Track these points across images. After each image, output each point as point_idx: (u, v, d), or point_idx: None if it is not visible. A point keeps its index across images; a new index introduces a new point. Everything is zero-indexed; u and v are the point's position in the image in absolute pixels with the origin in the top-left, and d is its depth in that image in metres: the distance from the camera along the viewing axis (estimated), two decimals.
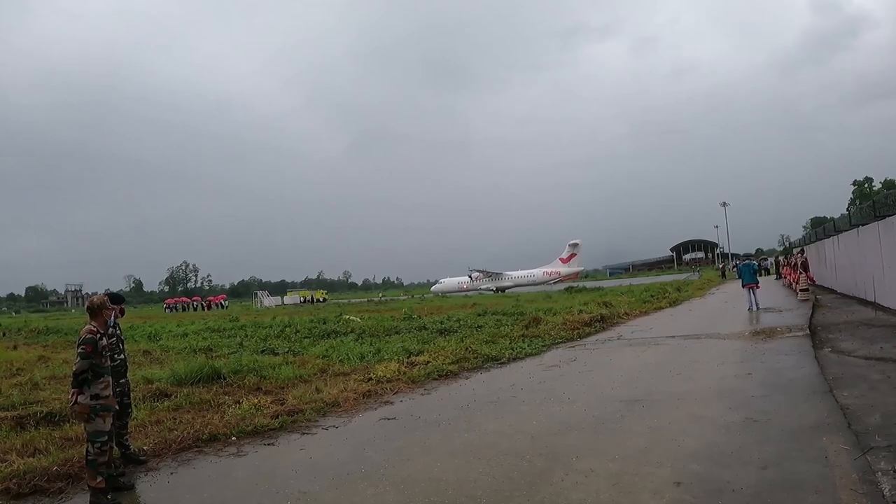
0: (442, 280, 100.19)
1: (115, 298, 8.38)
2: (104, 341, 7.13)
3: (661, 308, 31.29)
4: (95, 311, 7.32)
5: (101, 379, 7.01)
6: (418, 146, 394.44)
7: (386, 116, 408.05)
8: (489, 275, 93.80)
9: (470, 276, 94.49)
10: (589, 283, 78.24)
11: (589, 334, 21.02)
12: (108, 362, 7.26)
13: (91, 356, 6.88)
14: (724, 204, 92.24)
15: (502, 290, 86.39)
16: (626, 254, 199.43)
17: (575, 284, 72.12)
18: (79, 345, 6.97)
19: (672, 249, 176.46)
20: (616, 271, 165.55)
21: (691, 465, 6.75)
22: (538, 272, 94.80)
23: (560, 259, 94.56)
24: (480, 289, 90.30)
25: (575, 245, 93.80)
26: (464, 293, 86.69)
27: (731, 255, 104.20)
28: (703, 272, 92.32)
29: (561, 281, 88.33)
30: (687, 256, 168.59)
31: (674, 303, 34.24)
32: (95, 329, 7.09)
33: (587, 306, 29.38)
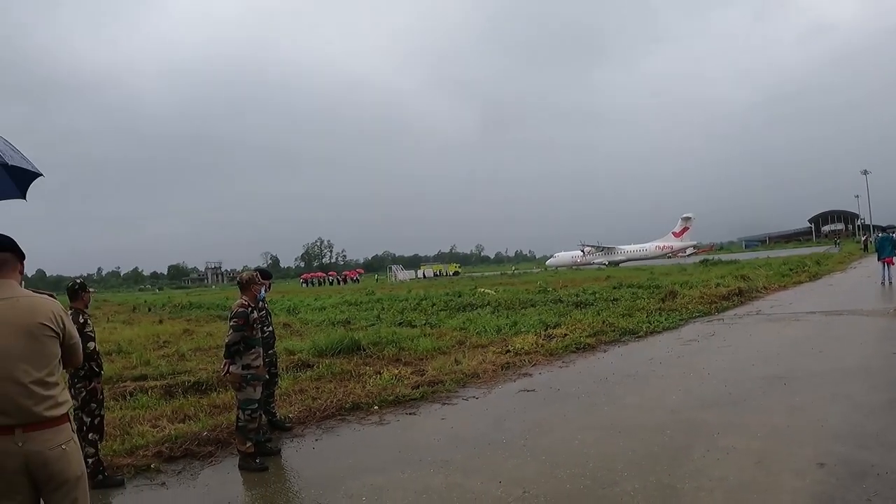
0: (556, 254, 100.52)
1: (265, 274, 8.68)
2: (255, 314, 7.40)
3: (800, 282, 29.95)
4: (245, 285, 7.58)
5: (253, 350, 7.30)
6: (547, 119, 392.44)
7: (516, 90, 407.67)
8: (601, 249, 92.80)
9: (582, 251, 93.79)
10: (724, 256, 75.79)
11: (727, 308, 20.43)
12: (259, 334, 7.56)
13: (243, 328, 7.16)
14: (865, 172, 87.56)
15: (615, 264, 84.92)
16: (761, 225, 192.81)
17: (710, 257, 70.10)
18: (231, 318, 7.27)
19: (810, 221, 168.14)
20: (752, 244, 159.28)
21: (834, 446, 6.43)
22: (650, 246, 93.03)
23: (673, 233, 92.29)
24: (593, 263, 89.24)
25: (688, 219, 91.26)
26: (577, 267, 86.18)
27: (873, 226, 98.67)
28: (843, 245, 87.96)
29: (696, 253, 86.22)
30: (826, 228, 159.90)
31: (813, 277, 32.70)
32: (247, 303, 7.37)
33: (724, 279, 28.49)
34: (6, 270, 3.69)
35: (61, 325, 3.72)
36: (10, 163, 4.06)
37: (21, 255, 3.80)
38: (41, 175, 4.61)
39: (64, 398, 3.70)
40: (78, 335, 3.96)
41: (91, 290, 7.42)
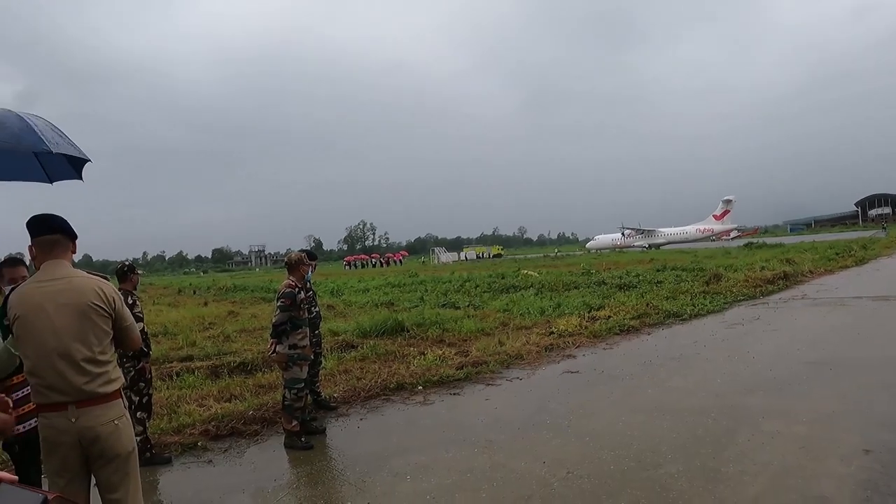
0: (596, 237, 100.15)
1: (310, 255, 8.74)
2: (302, 295, 7.46)
3: (846, 267, 29.19)
4: (293, 266, 7.64)
5: (299, 330, 7.36)
6: (589, 103, 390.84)
7: (557, 74, 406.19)
8: (641, 232, 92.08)
9: (622, 234, 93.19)
10: (769, 239, 74.70)
11: (772, 292, 20.13)
12: (306, 315, 7.62)
13: (290, 309, 7.23)
14: None
15: (656, 247, 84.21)
16: (807, 209, 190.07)
17: (754, 240, 69.15)
18: (278, 298, 7.33)
19: (856, 204, 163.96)
20: (797, 227, 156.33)
21: (881, 433, 6.30)
22: (691, 229, 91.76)
23: (713, 216, 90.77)
24: (633, 245, 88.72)
25: (728, 202, 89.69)
26: (619, 250, 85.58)
27: None
28: (890, 229, 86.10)
29: (740, 237, 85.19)
30: (873, 212, 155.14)
31: (860, 261, 31.85)
32: (294, 283, 7.43)
33: (769, 263, 28.09)
34: (58, 251, 3.76)
35: (112, 305, 3.78)
36: (54, 150, 4.06)
37: (73, 236, 3.85)
38: (89, 161, 4.66)
39: (116, 375, 3.77)
40: (132, 318, 4.02)
41: (139, 272, 7.53)
